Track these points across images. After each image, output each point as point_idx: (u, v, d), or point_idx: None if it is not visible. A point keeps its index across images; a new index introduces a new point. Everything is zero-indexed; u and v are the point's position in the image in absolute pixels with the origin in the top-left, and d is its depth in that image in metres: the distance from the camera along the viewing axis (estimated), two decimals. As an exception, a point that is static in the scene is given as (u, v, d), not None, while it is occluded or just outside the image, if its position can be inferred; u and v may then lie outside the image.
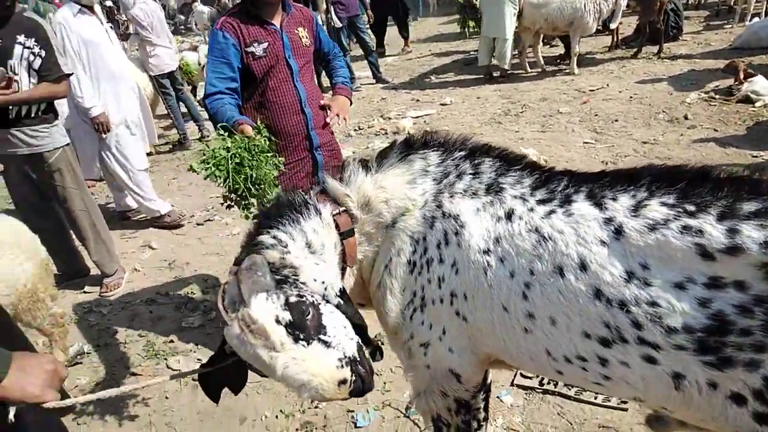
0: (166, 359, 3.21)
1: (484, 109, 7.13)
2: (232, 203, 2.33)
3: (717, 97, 6.16)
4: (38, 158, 3.61)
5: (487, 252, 1.41)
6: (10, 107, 3.40)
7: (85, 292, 4.05)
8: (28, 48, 3.39)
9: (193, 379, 1.61)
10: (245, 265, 1.33)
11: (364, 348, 1.43)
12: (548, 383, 2.69)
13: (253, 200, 2.26)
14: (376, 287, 1.63)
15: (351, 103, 3.00)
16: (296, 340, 1.29)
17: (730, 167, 1.22)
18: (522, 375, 2.77)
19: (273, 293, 1.32)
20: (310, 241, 1.50)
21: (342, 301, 1.45)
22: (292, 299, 1.33)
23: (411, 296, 1.55)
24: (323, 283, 1.43)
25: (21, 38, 3.37)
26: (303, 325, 1.31)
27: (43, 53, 3.42)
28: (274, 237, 1.47)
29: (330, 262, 1.51)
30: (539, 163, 1.53)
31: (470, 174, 1.51)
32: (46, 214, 3.90)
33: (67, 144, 3.77)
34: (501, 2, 7.78)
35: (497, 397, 2.67)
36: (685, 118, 5.75)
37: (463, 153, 1.56)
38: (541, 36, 8.52)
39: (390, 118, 7.21)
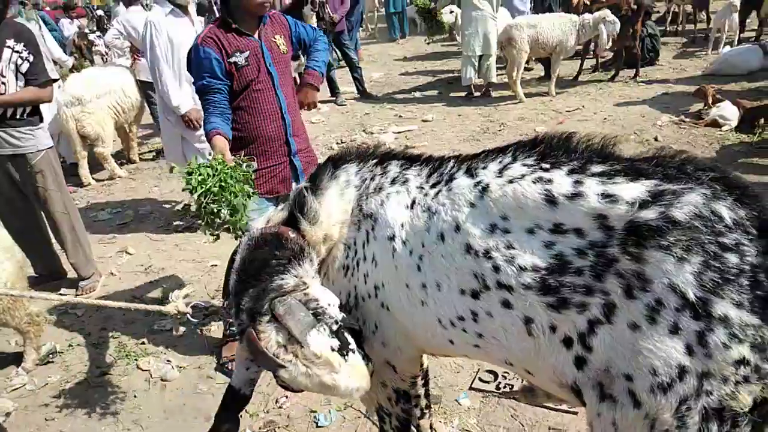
0: (136, 360, 3.27)
1: (464, 127, 7.30)
2: (200, 220, 2.31)
3: (687, 120, 6.38)
4: (21, 159, 3.70)
5: (392, 238, 1.56)
6: None
7: (60, 294, 4.09)
8: (17, 52, 3.49)
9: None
10: (283, 310, 1.49)
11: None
12: (504, 387, 2.80)
13: (219, 221, 2.27)
14: None
15: (318, 90, 3.12)
16: (344, 357, 1.50)
17: (589, 137, 1.38)
18: (480, 380, 2.88)
19: (319, 327, 1.49)
20: (313, 275, 1.65)
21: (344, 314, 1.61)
22: (333, 327, 1.51)
23: (347, 298, 1.69)
24: (332, 304, 1.58)
25: (11, 42, 3.47)
26: (344, 344, 1.50)
27: (31, 58, 3.52)
28: (294, 277, 1.59)
29: (327, 291, 1.65)
30: (434, 155, 1.70)
31: (380, 175, 1.67)
32: (27, 216, 3.97)
33: (50, 147, 3.86)
34: (485, 19, 8.02)
35: (455, 400, 2.78)
36: (655, 139, 5.96)
37: (375, 160, 1.73)
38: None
39: (372, 133, 7.35)
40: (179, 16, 4.32)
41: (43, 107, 3.93)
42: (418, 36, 15.49)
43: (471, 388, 2.85)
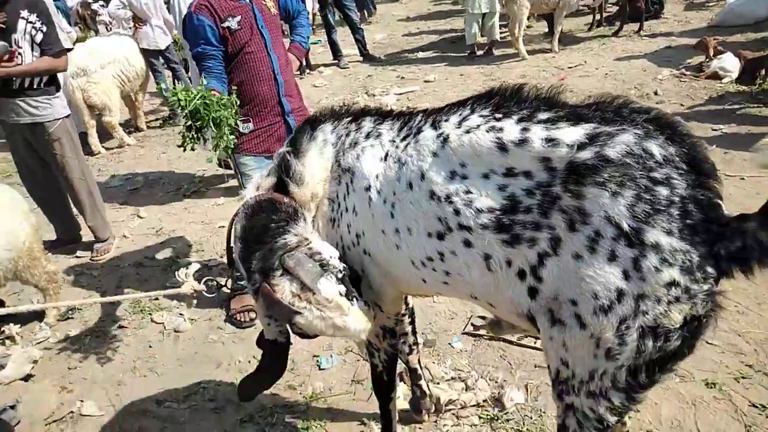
0: (150, 314, 3.48)
1: (466, 86, 7.32)
2: (187, 140, 2.53)
3: (687, 73, 6.36)
4: (40, 128, 3.85)
5: (368, 188, 1.68)
6: (14, 79, 3.63)
7: (77, 257, 4.31)
8: (31, 23, 3.60)
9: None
10: (293, 263, 1.66)
11: None
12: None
13: (208, 138, 2.54)
14: None
15: (301, 63, 3.32)
16: (351, 301, 1.68)
17: (541, 86, 1.49)
18: (473, 324, 3.05)
19: (326, 275, 1.66)
20: (311, 231, 1.82)
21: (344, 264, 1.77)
22: (339, 275, 1.68)
23: (335, 248, 1.82)
24: (334, 256, 1.73)
25: (24, 13, 3.58)
26: (349, 290, 1.70)
27: (44, 28, 3.64)
28: (295, 236, 1.75)
29: (326, 243, 1.82)
30: (405, 110, 1.81)
31: (354, 131, 1.79)
32: (47, 182, 4.16)
33: (68, 115, 4.01)
34: None
35: (449, 343, 2.96)
36: (655, 93, 5.97)
37: (349, 118, 1.84)
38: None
39: (374, 95, 7.41)
40: None
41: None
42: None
43: (464, 333, 3.02)
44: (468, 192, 1.45)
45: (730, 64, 6.02)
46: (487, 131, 1.43)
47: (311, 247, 1.72)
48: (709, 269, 1.25)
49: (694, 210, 1.25)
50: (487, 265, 1.46)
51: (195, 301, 3.47)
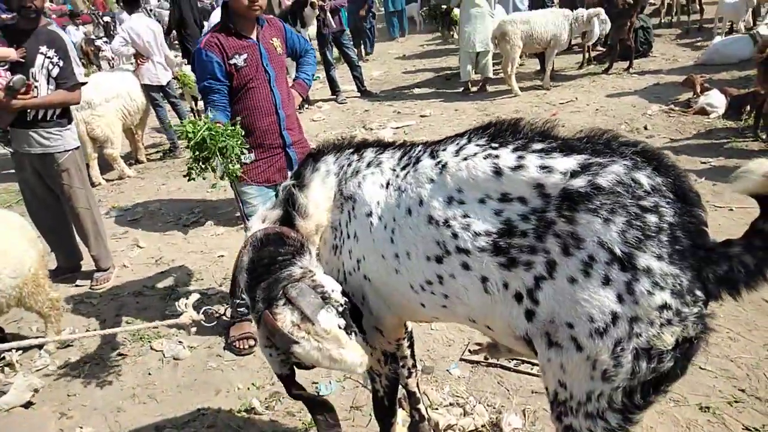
0: (150, 342, 3.50)
1: (461, 121, 7.50)
2: (194, 171, 2.64)
3: (676, 109, 6.56)
4: (50, 158, 3.95)
5: (370, 214, 1.75)
6: (28, 110, 3.76)
7: (76, 285, 4.34)
8: (49, 58, 3.76)
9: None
10: (295, 293, 1.70)
11: None
12: (492, 357, 3.01)
13: (215, 166, 2.64)
14: None
15: (303, 98, 3.46)
16: (348, 334, 1.69)
17: (536, 120, 1.58)
18: (470, 351, 3.09)
19: (327, 308, 1.69)
20: (316, 264, 1.87)
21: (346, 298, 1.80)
22: (339, 309, 1.71)
23: (337, 274, 1.90)
24: (336, 290, 1.77)
25: (43, 49, 3.75)
26: (348, 324, 1.72)
27: (61, 63, 3.79)
28: (300, 268, 1.81)
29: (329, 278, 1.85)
30: (406, 141, 1.90)
31: (356, 161, 1.87)
32: (53, 211, 4.23)
33: (77, 147, 4.12)
34: (482, 16, 8.22)
35: (447, 370, 2.99)
36: (645, 128, 6.14)
37: (351, 149, 1.93)
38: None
39: (372, 129, 7.57)
40: None
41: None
42: (417, 35, 15.70)
43: (462, 360, 3.06)
44: (465, 216, 1.51)
45: (716, 100, 6.22)
46: (484, 158, 1.51)
47: (315, 279, 1.77)
48: (698, 292, 1.31)
49: (682, 236, 1.31)
50: (484, 287, 1.51)
51: (194, 329, 3.50)
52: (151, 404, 2.99)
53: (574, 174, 1.38)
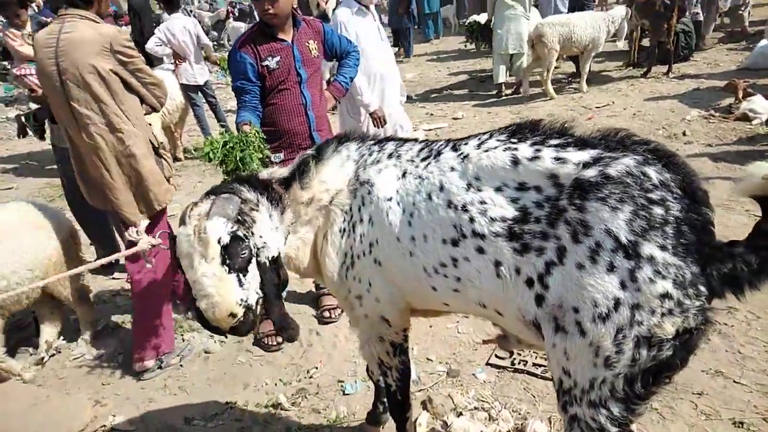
0: (183, 334, 3.59)
1: (494, 124, 7.45)
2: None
3: (716, 114, 6.38)
4: None
5: (389, 199, 1.81)
6: None
7: (113, 278, 4.48)
8: None
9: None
10: (224, 196, 1.76)
11: (269, 310, 1.83)
12: (519, 363, 2.99)
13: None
14: (320, 255, 2.01)
15: (338, 101, 3.48)
16: (223, 263, 1.67)
17: (554, 121, 1.64)
18: (496, 356, 3.07)
19: (229, 222, 1.71)
20: (271, 214, 1.90)
21: (268, 264, 1.80)
22: (239, 233, 1.72)
23: (344, 257, 1.94)
24: (264, 243, 1.81)
25: None
26: (234, 257, 1.70)
27: None
28: (253, 194, 1.87)
29: (276, 236, 1.88)
30: (425, 138, 1.97)
31: (377, 151, 1.94)
32: (91, 205, 4.35)
33: None
34: (518, 18, 8.15)
35: (472, 374, 2.98)
36: (683, 134, 5.99)
37: (372, 141, 2.01)
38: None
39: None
40: (364, 14, 4.27)
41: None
42: (451, 37, 15.66)
43: (488, 364, 3.04)
44: (483, 202, 1.60)
45: (760, 105, 6.02)
46: (504, 150, 1.60)
47: (253, 209, 1.81)
48: (701, 287, 1.36)
49: (687, 231, 1.37)
50: (497, 272, 1.58)
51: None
52: (181, 396, 3.06)
53: (586, 165, 1.45)
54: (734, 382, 2.66)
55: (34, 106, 4.56)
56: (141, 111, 3.10)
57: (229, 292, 1.68)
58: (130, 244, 2.38)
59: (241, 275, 1.71)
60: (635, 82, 8.36)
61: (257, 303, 1.77)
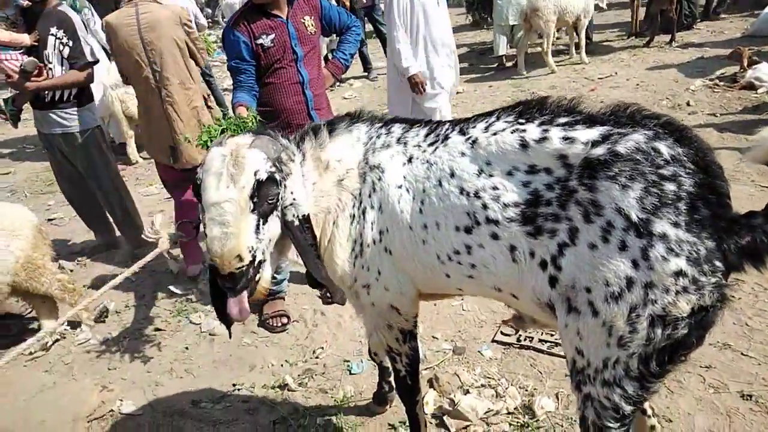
0: (188, 316, 3.58)
1: (495, 98, 7.35)
2: None
3: (721, 83, 6.29)
4: (71, 137, 4.05)
5: (399, 186, 1.76)
6: (45, 92, 3.85)
7: (116, 262, 4.45)
8: (59, 39, 3.82)
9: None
10: (267, 137, 1.74)
11: (313, 271, 1.81)
12: (525, 339, 2.98)
13: None
14: (327, 242, 1.93)
15: (337, 78, 3.39)
16: (251, 198, 1.61)
17: (561, 98, 1.60)
18: (502, 333, 3.06)
19: (270, 161, 1.68)
20: (303, 172, 1.86)
21: (299, 224, 1.76)
22: (277, 176, 1.68)
23: (353, 245, 1.88)
24: (294, 199, 1.76)
25: (53, 30, 3.81)
26: (263, 199, 1.64)
27: (70, 43, 3.84)
28: (291, 145, 1.86)
29: (304, 195, 1.82)
30: (432, 121, 1.91)
31: (385, 134, 1.88)
32: (82, 189, 4.34)
33: (97, 126, 4.20)
34: None
35: (478, 351, 2.98)
36: (687, 104, 5.91)
37: (380, 123, 1.95)
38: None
39: (403, 106, 7.48)
40: None
41: (92, 89, 4.26)
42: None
43: (493, 341, 3.03)
44: (495, 188, 1.56)
45: (765, 73, 5.93)
46: (512, 132, 1.56)
47: (291, 162, 1.78)
48: (717, 263, 1.33)
49: (701, 206, 1.33)
50: (512, 256, 1.55)
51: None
52: (188, 379, 3.06)
53: (595, 144, 1.42)
54: (742, 354, 2.65)
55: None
56: (197, 71, 3.82)
57: (245, 230, 1.60)
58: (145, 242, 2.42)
59: (261, 222, 1.65)
60: (638, 52, 8.23)
61: (260, 263, 1.69)
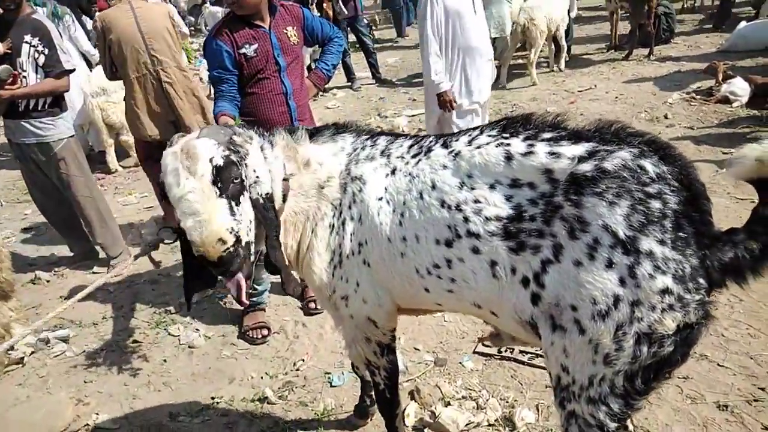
0: (167, 328, 3.53)
1: (477, 109, 7.40)
2: None
3: (697, 97, 6.42)
4: (45, 147, 3.98)
5: (380, 198, 1.76)
6: (19, 101, 3.78)
7: (93, 272, 4.39)
8: (34, 46, 3.77)
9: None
10: (214, 126, 1.77)
11: (273, 255, 1.76)
12: (506, 351, 2.99)
13: None
14: (306, 250, 1.93)
15: (320, 89, 3.40)
16: (214, 184, 1.60)
17: (547, 114, 1.61)
18: (483, 344, 3.07)
19: (221, 146, 1.66)
20: (265, 153, 1.83)
21: (263, 202, 1.72)
22: (233, 158, 1.65)
23: (332, 255, 1.88)
24: (258, 177, 1.73)
25: (27, 37, 3.76)
26: (227, 182, 1.62)
27: (46, 51, 3.80)
28: (245, 129, 1.85)
29: (268, 176, 1.78)
30: (417, 134, 1.93)
31: (370, 146, 1.89)
32: (57, 200, 4.27)
33: (72, 135, 4.14)
34: (500, 2, 8.06)
35: (459, 362, 2.98)
36: (665, 117, 6.02)
37: (366, 135, 1.95)
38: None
39: (386, 117, 7.51)
40: None
41: (71, 97, 4.21)
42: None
43: (475, 352, 3.04)
44: (477, 201, 1.56)
45: (739, 88, 6.06)
46: (496, 146, 1.55)
47: (245, 143, 1.74)
48: (701, 280, 1.34)
49: (685, 224, 1.34)
50: (493, 272, 1.54)
51: (207, 309, 3.52)
52: (166, 392, 3.02)
53: (581, 159, 1.41)
54: (718, 365, 2.69)
55: None
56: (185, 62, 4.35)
57: (217, 213, 1.58)
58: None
59: (233, 203, 1.63)
60: (617, 65, 8.37)
61: (249, 244, 1.67)
